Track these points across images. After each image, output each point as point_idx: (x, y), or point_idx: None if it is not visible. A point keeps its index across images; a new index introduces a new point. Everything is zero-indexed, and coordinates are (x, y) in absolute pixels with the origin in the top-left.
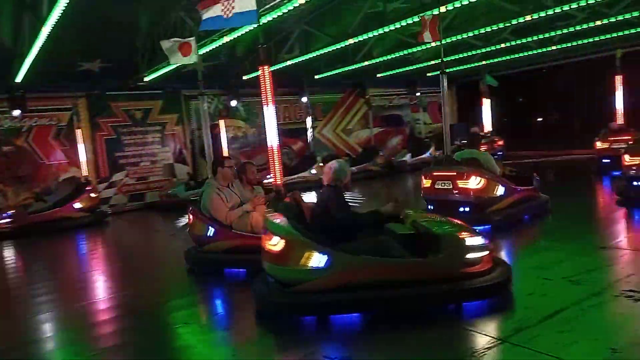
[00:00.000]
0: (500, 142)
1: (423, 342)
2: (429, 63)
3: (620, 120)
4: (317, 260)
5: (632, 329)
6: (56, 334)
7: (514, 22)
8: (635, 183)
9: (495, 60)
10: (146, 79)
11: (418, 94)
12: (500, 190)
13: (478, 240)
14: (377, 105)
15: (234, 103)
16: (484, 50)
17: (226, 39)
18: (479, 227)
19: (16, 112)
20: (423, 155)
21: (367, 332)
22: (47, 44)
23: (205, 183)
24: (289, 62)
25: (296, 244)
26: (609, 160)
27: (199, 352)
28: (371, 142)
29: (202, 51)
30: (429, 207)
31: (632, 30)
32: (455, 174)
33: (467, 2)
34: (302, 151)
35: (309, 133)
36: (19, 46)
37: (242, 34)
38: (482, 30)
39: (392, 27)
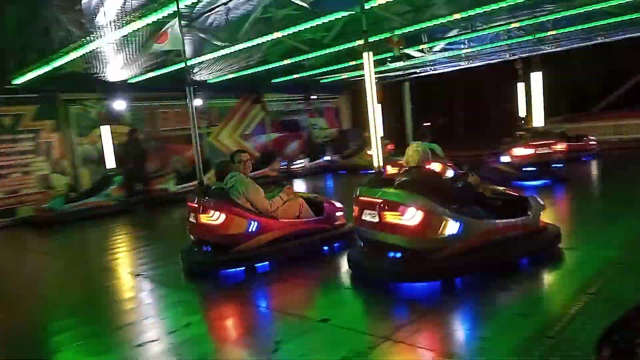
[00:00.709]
0: (391, 146)
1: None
2: (323, 70)
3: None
4: (452, 227)
5: (498, 318)
6: None
7: (399, 32)
8: None
9: (386, 67)
10: (16, 81)
11: (314, 97)
12: None
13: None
14: (274, 110)
15: (118, 107)
16: (376, 57)
17: (109, 39)
18: None
19: None
20: (320, 160)
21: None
22: None
23: (234, 177)
24: (177, 66)
25: (434, 214)
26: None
27: None
28: (269, 148)
29: (81, 52)
30: None
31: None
32: None
33: (354, 13)
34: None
35: (204, 139)
36: None
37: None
38: (371, 39)
39: (283, 34)
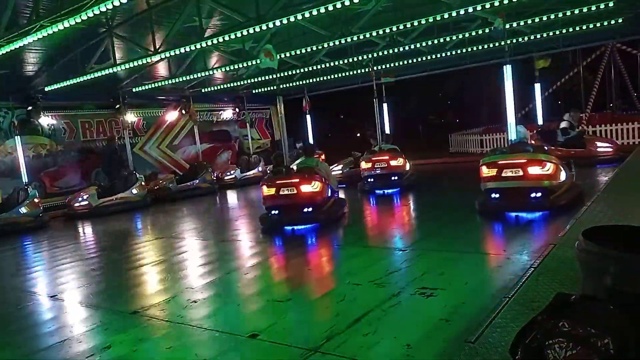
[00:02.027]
0: (322, 157)
1: None
2: (255, 80)
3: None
4: (562, 175)
5: (423, 324)
6: None
7: (325, 45)
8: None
9: (314, 80)
10: None
11: (241, 112)
12: None
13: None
14: (204, 120)
15: (35, 117)
16: (303, 70)
17: (19, 44)
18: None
19: None
20: (252, 171)
21: None
22: None
23: (311, 160)
24: (99, 73)
25: (558, 166)
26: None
27: None
28: (199, 159)
29: None
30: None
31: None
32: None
33: (279, 24)
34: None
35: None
36: None
37: (40, 39)
38: (298, 51)
39: (209, 43)
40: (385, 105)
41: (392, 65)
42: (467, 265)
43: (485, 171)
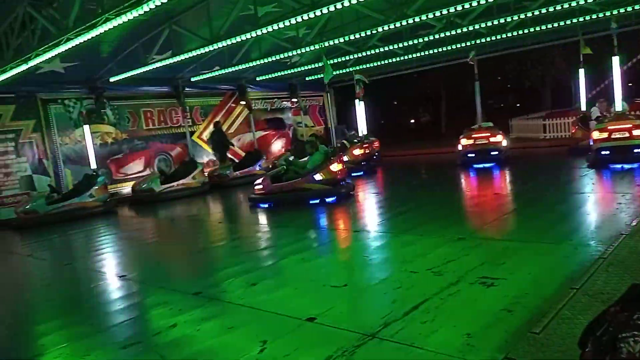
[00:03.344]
0: (377, 144)
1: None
2: (307, 67)
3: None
4: None
5: (484, 314)
6: None
7: (380, 29)
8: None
9: (367, 65)
10: None
11: (295, 99)
12: None
13: None
14: (258, 108)
15: (101, 106)
16: (356, 55)
17: (87, 36)
18: None
19: None
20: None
21: None
22: None
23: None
24: (160, 64)
25: None
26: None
27: None
28: (254, 146)
29: (58, 50)
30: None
31: (483, 40)
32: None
33: (333, 9)
34: (181, 157)
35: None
36: None
37: (105, 32)
38: (352, 37)
39: (264, 31)
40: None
41: (449, 48)
42: (531, 254)
43: (597, 135)
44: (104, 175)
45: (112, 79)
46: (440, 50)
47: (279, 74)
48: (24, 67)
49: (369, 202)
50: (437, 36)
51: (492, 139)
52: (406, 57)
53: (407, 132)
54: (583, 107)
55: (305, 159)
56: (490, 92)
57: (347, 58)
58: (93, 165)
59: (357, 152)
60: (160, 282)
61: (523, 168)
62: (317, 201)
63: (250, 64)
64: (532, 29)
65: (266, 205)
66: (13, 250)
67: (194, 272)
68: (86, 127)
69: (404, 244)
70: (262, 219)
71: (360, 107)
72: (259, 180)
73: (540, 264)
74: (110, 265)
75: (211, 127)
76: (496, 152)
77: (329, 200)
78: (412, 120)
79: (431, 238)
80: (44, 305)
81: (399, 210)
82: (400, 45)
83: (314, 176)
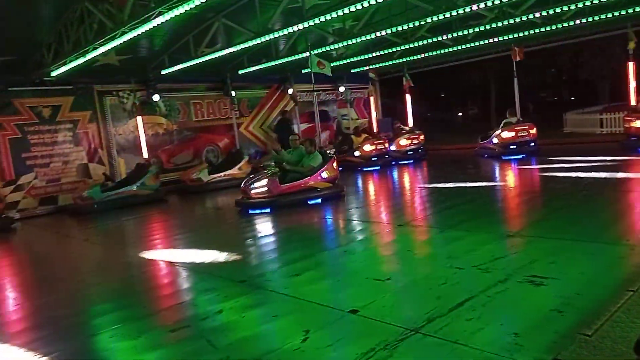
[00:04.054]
0: (422, 137)
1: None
2: (353, 59)
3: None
4: None
5: (532, 313)
6: None
7: (429, 20)
8: None
9: (415, 57)
10: (53, 73)
11: (342, 89)
12: None
13: None
14: (303, 100)
15: (153, 98)
16: (403, 47)
17: (141, 30)
18: None
19: None
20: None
21: None
22: None
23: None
24: (210, 56)
25: None
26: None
27: None
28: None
29: (114, 44)
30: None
31: (537, 30)
32: None
33: (382, 1)
34: (228, 148)
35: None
36: None
37: (158, 25)
38: (400, 28)
39: (311, 23)
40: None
41: (500, 39)
42: (583, 254)
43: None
44: (155, 164)
45: (163, 72)
46: (491, 41)
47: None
48: (81, 60)
49: (412, 195)
50: (488, 27)
51: (531, 131)
52: (455, 49)
53: (454, 125)
54: (632, 102)
55: (288, 158)
56: (543, 85)
57: (394, 50)
58: (145, 155)
59: (404, 142)
60: (208, 269)
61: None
62: (319, 201)
63: (297, 57)
64: (589, 19)
65: (266, 211)
66: (70, 234)
67: (239, 260)
68: (139, 118)
69: (449, 240)
70: (301, 212)
71: (406, 100)
72: (263, 182)
73: (593, 264)
74: (160, 252)
75: (276, 116)
76: (533, 144)
77: (316, 201)
78: (460, 114)
79: (478, 234)
80: (98, 288)
81: (445, 204)
82: (450, 36)
83: (322, 174)
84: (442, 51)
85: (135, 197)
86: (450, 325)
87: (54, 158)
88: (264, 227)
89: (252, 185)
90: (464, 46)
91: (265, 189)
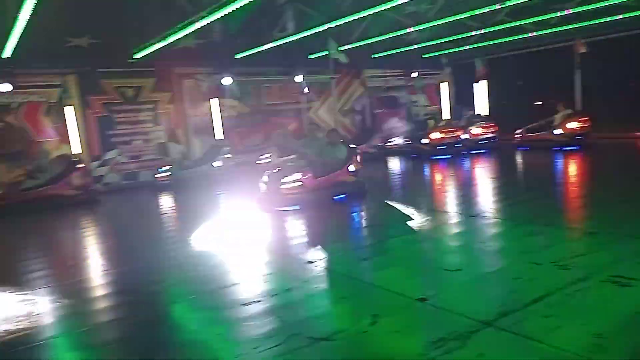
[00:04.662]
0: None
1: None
2: (426, 44)
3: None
4: None
5: (616, 315)
6: (50, 309)
7: (509, 3)
8: None
9: (492, 42)
10: (137, 55)
11: (415, 74)
12: None
13: None
14: (373, 86)
15: (226, 81)
16: (480, 31)
17: (217, 15)
18: None
19: (5, 87)
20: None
21: None
22: (33, 18)
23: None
24: (282, 41)
25: None
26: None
27: None
28: (368, 125)
29: (193, 27)
30: None
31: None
32: None
33: None
34: (297, 132)
35: (306, 114)
36: (4, 20)
37: (235, 10)
38: (478, 12)
39: (385, 7)
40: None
41: (586, 24)
42: None
43: None
44: (228, 146)
45: (237, 56)
46: (576, 26)
47: (396, 51)
48: (163, 43)
49: (486, 186)
50: (573, 10)
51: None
52: (536, 34)
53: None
54: None
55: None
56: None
57: (469, 35)
58: (219, 136)
59: (476, 131)
60: (274, 248)
61: None
62: (343, 196)
63: (368, 41)
64: None
65: (294, 208)
66: (150, 207)
67: (306, 241)
68: (214, 101)
69: (525, 234)
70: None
71: (480, 87)
72: (297, 176)
73: None
74: (231, 228)
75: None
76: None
77: (341, 197)
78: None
79: (558, 229)
80: (175, 260)
81: (521, 197)
82: (531, 20)
83: (349, 167)
84: (522, 36)
85: (209, 177)
86: (525, 321)
87: (135, 136)
88: (329, 210)
89: (283, 180)
90: (546, 31)
91: (300, 183)
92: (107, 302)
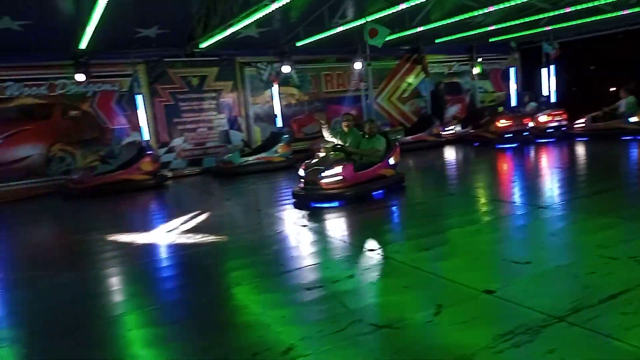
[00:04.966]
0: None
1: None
2: (492, 28)
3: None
4: None
5: None
6: (122, 288)
7: None
8: None
9: (564, 25)
10: (202, 45)
11: (480, 59)
12: None
13: None
14: (435, 72)
15: (286, 70)
16: (551, 13)
17: (279, 3)
18: None
19: (80, 77)
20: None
21: None
22: (106, 11)
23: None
24: (342, 28)
25: None
26: None
27: None
28: (426, 112)
29: (256, 16)
30: None
31: None
32: None
33: None
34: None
35: (364, 101)
36: (80, 14)
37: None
38: None
39: None
40: None
41: None
42: None
43: None
44: (287, 133)
45: (298, 44)
46: None
47: (460, 35)
48: (227, 32)
49: (554, 176)
50: None
51: None
52: (613, 15)
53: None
54: None
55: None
56: None
57: (540, 17)
58: (279, 124)
59: (544, 119)
60: (336, 235)
61: None
62: (381, 192)
63: (431, 26)
64: None
65: (333, 205)
66: (213, 193)
67: (366, 229)
68: (275, 89)
69: (601, 227)
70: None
71: (549, 72)
72: (336, 170)
73: None
74: (290, 214)
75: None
76: None
77: (379, 192)
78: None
79: (637, 223)
80: (238, 243)
81: (594, 188)
82: (608, 0)
83: (389, 160)
84: (597, 18)
85: (269, 164)
86: (601, 317)
87: (199, 124)
88: (364, 207)
89: (322, 174)
90: (624, 12)
91: (340, 177)
92: (176, 282)
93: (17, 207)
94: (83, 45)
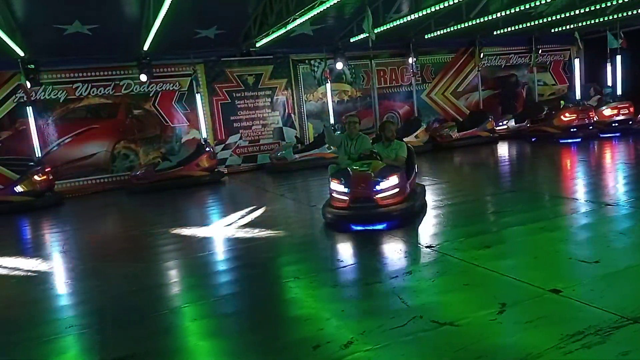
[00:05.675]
0: (632, 109)
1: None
2: (554, 18)
3: None
4: None
5: None
6: (180, 279)
7: None
8: None
9: (630, 13)
10: (258, 44)
11: (540, 51)
12: None
13: None
14: (491, 65)
15: (339, 66)
16: (618, 1)
17: (330, 3)
18: None
19: (143, 78)
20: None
21: None
22: (168, 13)
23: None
24: (397, 22)
25: None
26: None
27: None
28: (480, 106)
29: (311, 14)
30: None
31: None
32: None
33: None
34: (408, 115)
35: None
36: (145, 17)
37: None
38: None
39: None
40: None
41: None
42: None
43: None
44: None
45: (352, 39)
46: None
47: (520, 26)
48: (282, 30)
49: (622, 172)
50: None
51: None
52: None
53: None
54: None
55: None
56: None
57: (604, 5)
58: (331, 121)
59: (608, 112)
60: (389, 231)
61: None
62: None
63: (489, 17)
64: None
65: (378, 228)
66: (267, 189)
67: (422, 226)
68: (328, 86)
69: None
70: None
71: (615, 63)
72: (392, 181)
73: None
74: None
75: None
76: None
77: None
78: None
79: None
80: (293, 239)
81: None
82: None
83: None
84: None
85: (322, 160)
86: None
87: (254, 121)
88: (450, 194)
89: (379, 187)
90: None
91: (397, 189)
92: (235, 275)
93: (85, 202)
94: (146, 46)
